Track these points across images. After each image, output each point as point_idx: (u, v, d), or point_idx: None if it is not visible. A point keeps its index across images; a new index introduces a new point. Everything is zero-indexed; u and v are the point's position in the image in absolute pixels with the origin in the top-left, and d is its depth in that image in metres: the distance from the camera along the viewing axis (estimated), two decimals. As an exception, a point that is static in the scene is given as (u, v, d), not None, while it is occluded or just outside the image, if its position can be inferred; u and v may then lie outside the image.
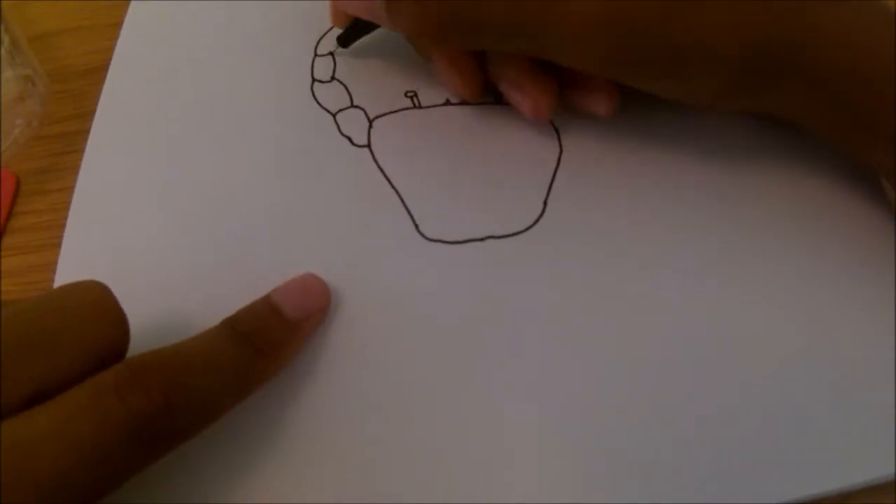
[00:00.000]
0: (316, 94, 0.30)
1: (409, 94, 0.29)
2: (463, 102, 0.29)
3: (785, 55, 0.22)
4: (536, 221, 0.26)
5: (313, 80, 0.31)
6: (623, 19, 0.21)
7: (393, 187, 0.27)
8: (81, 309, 0.20)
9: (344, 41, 0.31)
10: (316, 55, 0.31)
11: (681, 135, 0.27)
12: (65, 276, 0.27)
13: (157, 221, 0.27)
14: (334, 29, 0.32)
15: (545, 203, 0.26)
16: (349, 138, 0.29)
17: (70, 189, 0.28)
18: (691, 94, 0.24)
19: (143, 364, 0.19)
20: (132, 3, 0.34)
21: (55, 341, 0.19)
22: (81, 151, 0.29)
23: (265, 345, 0.22)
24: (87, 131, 0.30)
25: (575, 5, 0.22)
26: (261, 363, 0.22)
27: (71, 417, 0.18)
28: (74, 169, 0.29)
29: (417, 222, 0.26)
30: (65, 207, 0.28)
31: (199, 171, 0.28)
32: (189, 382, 0.20)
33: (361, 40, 0.31)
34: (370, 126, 0.29)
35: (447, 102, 0.29)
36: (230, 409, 0.21)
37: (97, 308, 0.20)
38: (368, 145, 0.28)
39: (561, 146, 0.27)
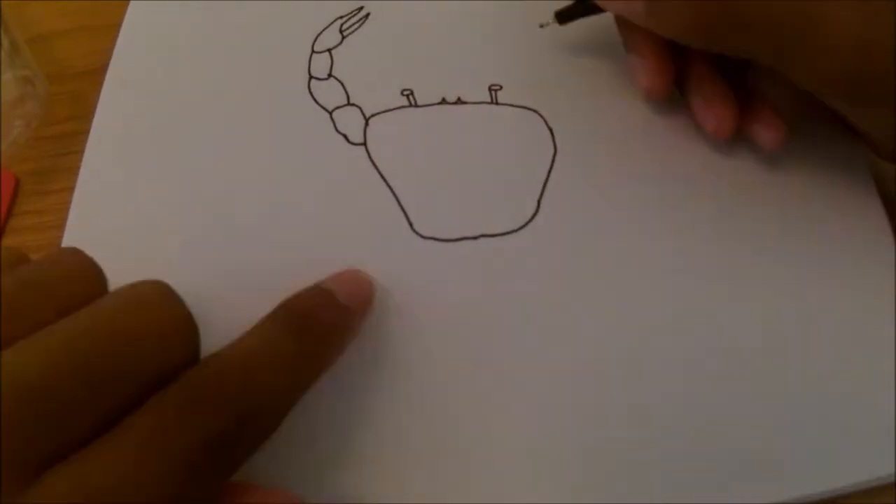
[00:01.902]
0: (313, 91, 0.30)
1: (405, 93, 0.29)
2: (458, 101, 0.29)
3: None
4: (530, 220, 0.26)
5: (310, 77, 0.31)
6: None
7: (388, 185, 0.27)
8: (151, 331, 0.18)
9: (565, 17, 0.29)
10: (313, 52, 0.31)
11: (675, 135, 0.27)
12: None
13: (157, 221, 0.28)
14: (334, 25, 0.32)
15: (539, 202, 0.26)
16: (345, 136, 0.29)
17: (69, 190, 0.29)
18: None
19: (204, 377, 0.18)
20: (131, 4, 0.34)
21: (125, 373, 0.17)
22: (81, 152, 0.29)
23: (324, 330, 0.21)
24: (87, 132, 0.30)
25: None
26: (322, 350, 0.21)
27: (138, 460, 0.16)
28: (74, 169, 0.29)
29: (412, 220, 0.26)
30: (64, 208, 0.28)
31: (198, 171, 0.29)
32: (253, 385, 0.19)
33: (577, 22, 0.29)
34: (366, 124, 0.29)
35: (443, 101, 0.29)
36: (296, 402, 0.20)
37: (167, 324, 0.18)
38: (364, 143, 0.28)
39: (555, 146, 0.27)
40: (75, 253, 0.21)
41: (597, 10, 0.28)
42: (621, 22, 0.28)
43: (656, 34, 0.26)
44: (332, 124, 0.29)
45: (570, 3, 0.28)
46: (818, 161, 0.26)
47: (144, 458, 0.16)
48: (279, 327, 0.21)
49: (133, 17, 0.34)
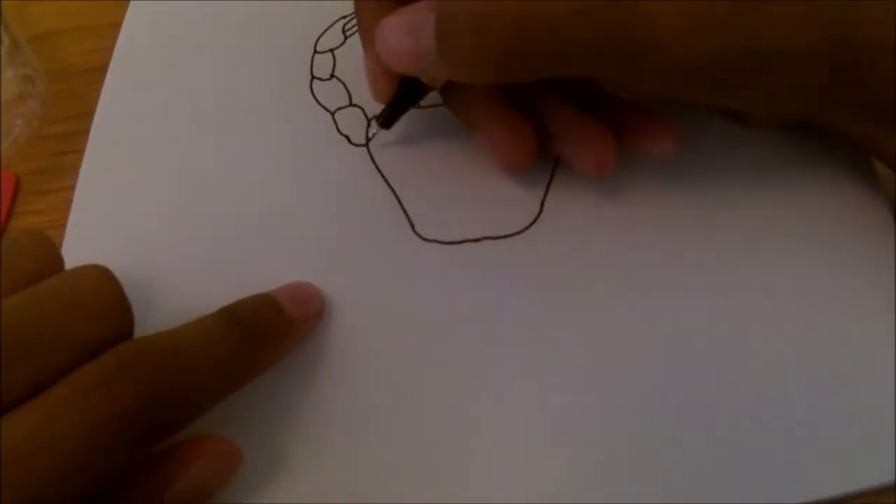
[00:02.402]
0: (315, 91, 0.30)
1: (408, 93, 0.29)
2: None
3: (853, 48, 0.20)
4: (533, 223, 0.26)
5: (312, 77, 0.31)
6: (704, 16, 0.20)
7: (390, 187, 0.27)
8: (83, 304, 0.19)
9: (386, 120, 0.27)
10: (315, 52, 0.31)
11: (683, 134, 0.27)
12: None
13: (157, 221, 0.28)
14: (336, 25, 0.32)
15: (542, 204, 0.26)
16: (347, 137, 0.29)
17: (70, 189, 0.29)
18: (767, 101, 0.22)
19: (134, 351, 0.19)
20: (132, 3, 0.34)
21: (55, 342, 0.19)
22: (81, 151, 0.30)
23: (263, 334, 0.22)
24: (87, 131, 0.30)
25: (655, 4, 0.19)
26: (258, 352, 0.22)
27: (55, 416, 0.17)
28: (74, 169, 0.29)
29: (413, 222, 0.26)
30: (65, 207, 0.28)
31: (199, 170, 0.29)
32: (181, 369, 0.19)
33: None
34: (368, 125, 0.29)
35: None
36: (222, 400, 0.21)
37: (100, 302, 0.20)
38: (366, 144, 0.28)
39: (558, 147, 0.27)
40: (35, 234, 0.22)
41: (418, 97, 0.26)
42: (449, 98, 0.26)
43: (494, 100, 0.24)
44: (334, 125, 0.29)
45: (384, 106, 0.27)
46: (822, 162, 0.26)
47: (58, 423, 0.17)
48: (218, 325, 0.21)
49: (134, 16, 0.34)
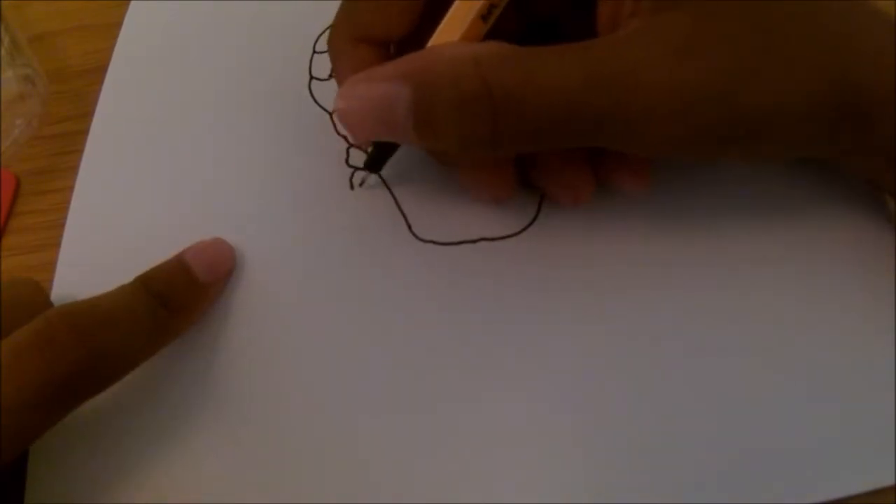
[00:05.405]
0: (313, 91, 0.30)
1: (405, 94, 0.29)
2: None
3: (851, 96, 0.20)
4: (530, 224, 0.26)
5: (311, 77, 0.31)
6: (698, 87, 0.19)
7: (387, 187, 0.27)
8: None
9: (372, 164, 0.26)
10: (315, 52, 0.31)
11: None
12: (65, 275, 0.27)
13: (156, 221, 0.28)
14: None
15: (539, 206, 0.26)
16: (345, 137, 0.29)
17: (70, 189, 0.29)
18: (765, 155, 0.22)
19: (63, 314, 0.21)
20: (132, 3, 0.34)
21: None
22: (81, 151, 0.30)
23: (176, 305, 0.24)
24: (87, 131, 0.30)
25: (649, 77, 0.19)
26: (172, 322, 0.24)
27: None
28: (74, 169, 0.29)
29: (410, 223, 0.26)
30: (65, 207, 0.28)
31: (198, 170, 0.29)
32: (108, 334, 0.21)
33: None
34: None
35: (443, 102, 0.29)
36: (143, 362, 0.23)
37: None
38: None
39: (556, 148, 0.27)
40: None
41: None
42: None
43: None
44: (332, 126, 0.29)
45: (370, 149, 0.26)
46: (824, 176, 0.26)
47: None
48: (138, 298, 0.23)
49: (134, 17, 0.34)
